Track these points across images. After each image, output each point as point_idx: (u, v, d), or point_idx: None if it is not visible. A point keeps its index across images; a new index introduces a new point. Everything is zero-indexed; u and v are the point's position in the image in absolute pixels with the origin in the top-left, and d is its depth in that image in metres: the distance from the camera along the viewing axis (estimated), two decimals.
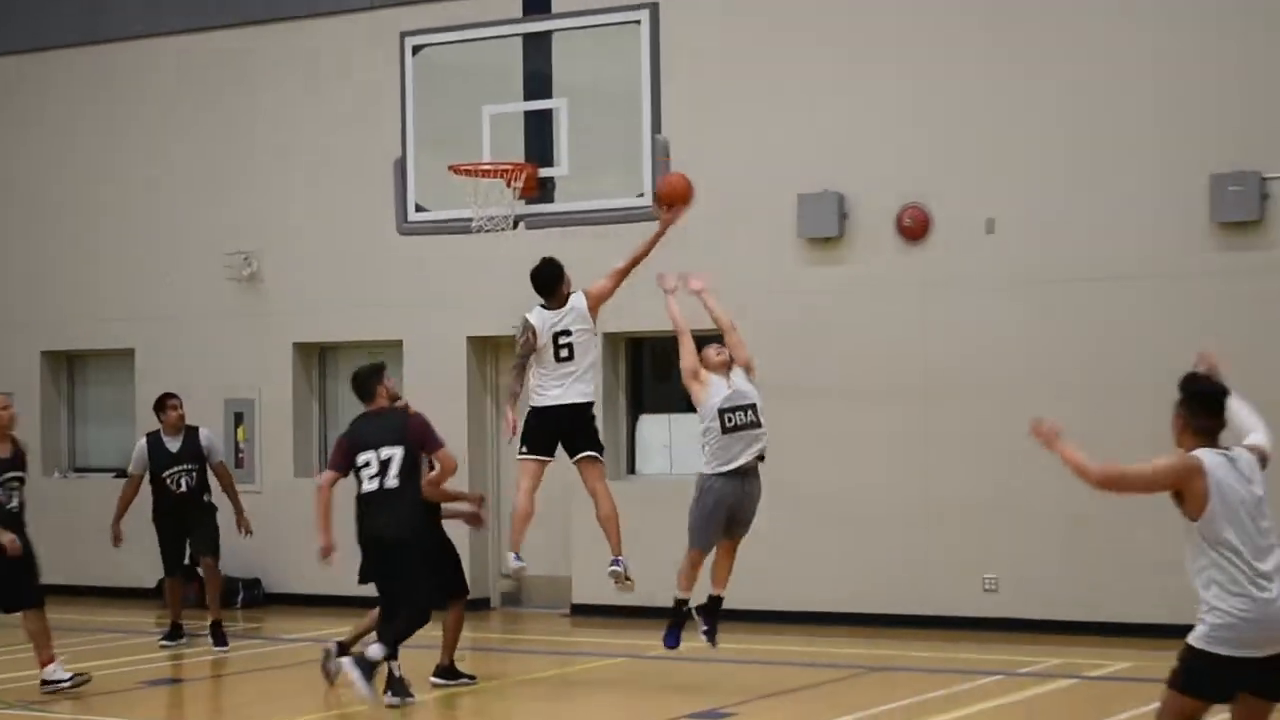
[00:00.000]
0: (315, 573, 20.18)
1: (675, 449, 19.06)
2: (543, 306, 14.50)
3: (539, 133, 17.93)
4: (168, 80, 21.68)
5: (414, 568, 13.51)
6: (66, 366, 22.81)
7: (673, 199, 14.70)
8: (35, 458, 22.21)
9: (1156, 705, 8.24)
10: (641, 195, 17.99)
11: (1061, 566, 16.98)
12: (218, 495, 17.18)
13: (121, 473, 20.56)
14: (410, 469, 13.55)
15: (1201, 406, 8.47)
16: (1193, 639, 8.03)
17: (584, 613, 18.77)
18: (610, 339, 19.11)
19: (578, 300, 14.55)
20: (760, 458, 13.78)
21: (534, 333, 14.27)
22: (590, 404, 14.31)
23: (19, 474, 14.15)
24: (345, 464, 13.72)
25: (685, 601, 13.74)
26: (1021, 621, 17.03)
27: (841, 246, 18.15)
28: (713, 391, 13.91)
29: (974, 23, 17.71)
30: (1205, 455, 8.21)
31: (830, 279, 18.13)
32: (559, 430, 14.11)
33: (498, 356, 20.07)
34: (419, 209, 16.68)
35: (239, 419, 21.03)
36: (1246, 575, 7.95)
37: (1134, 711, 12.53)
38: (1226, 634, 7.93)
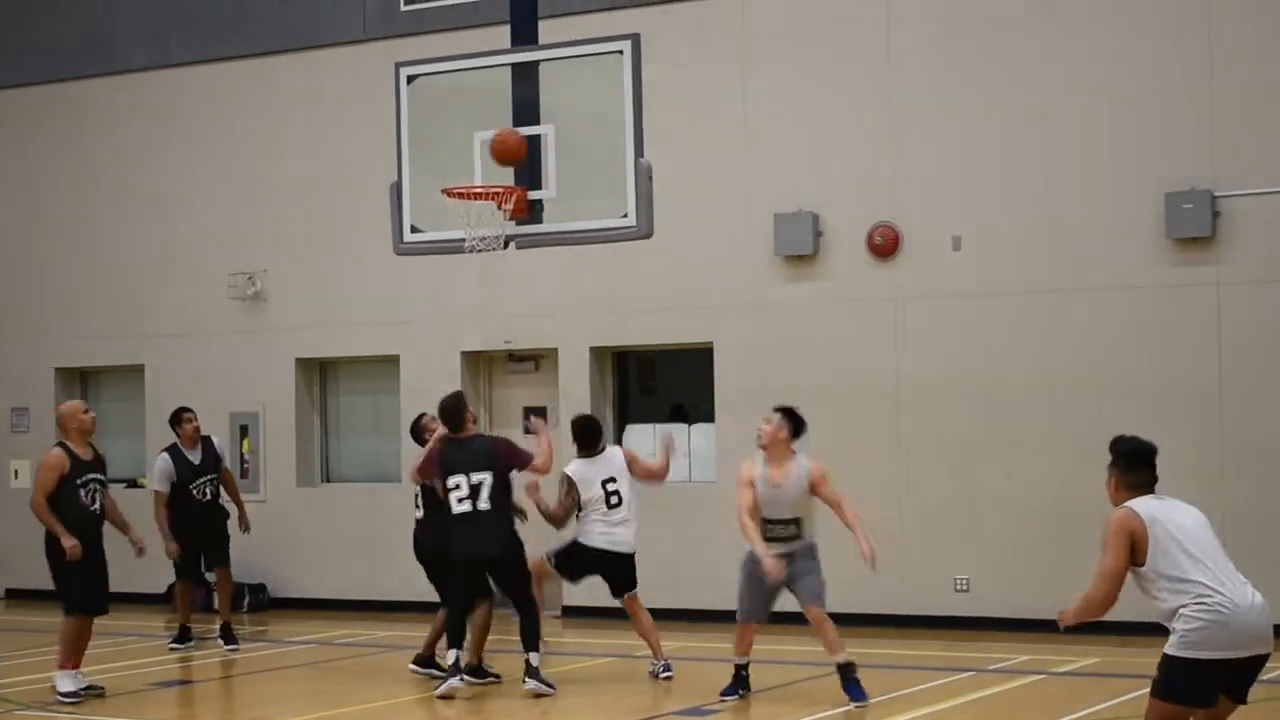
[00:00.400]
0: (318, 578, 20.36)
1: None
2: (581, 458, 14.49)
3: (528, 157, 17.99)
4: (175, 109, 21.70)
5: (514, 577, 14.00)
6: (79, 382, 22.81)
7: (505, 157, 15.25)
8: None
9: (1143, 709, 8.31)
10: (625, 216, 18.04)
11: (1029, 567, 17.02)
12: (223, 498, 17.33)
13: (133, 483, 20.61)
14: (501, 490, 13.90)
15: (1132, 463, 8.46)
16: (1170, 649, 8.09)
17: (575, 614, 18.81)
18: (597, 352, 19.18)
19: (614, 452, 14.58)
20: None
21: (577, 488, 14.40)
22: (634, 553, 14.43)
23: (100, 476, 14.02)
24: (437, 476, 14.04)
25: (742, 666, 13.57)
26: (991, 620, 17.08)
27: (816, 263, 18.20)
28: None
29: (939, 50, 17.76)
30: (1135, 503, 8.27)
31: (806, 294, 18.19)
32: (601, 571, 14.46)
33: (490, 371, 20.11)
34: (414, 230, 16.65)
35: (244, 431, 21.05)
36: (1209, 591, 8.00)
37: (1100, 706, 12.59)
38: (1199, 637, 7.97)
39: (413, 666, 14.64)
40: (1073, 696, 13.14)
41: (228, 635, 17.01)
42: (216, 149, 21.42)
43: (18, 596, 22.19)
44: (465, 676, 13.83)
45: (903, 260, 17.80)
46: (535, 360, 19.76)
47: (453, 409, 14.19)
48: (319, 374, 21.31)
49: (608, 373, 19.47)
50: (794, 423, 13.28)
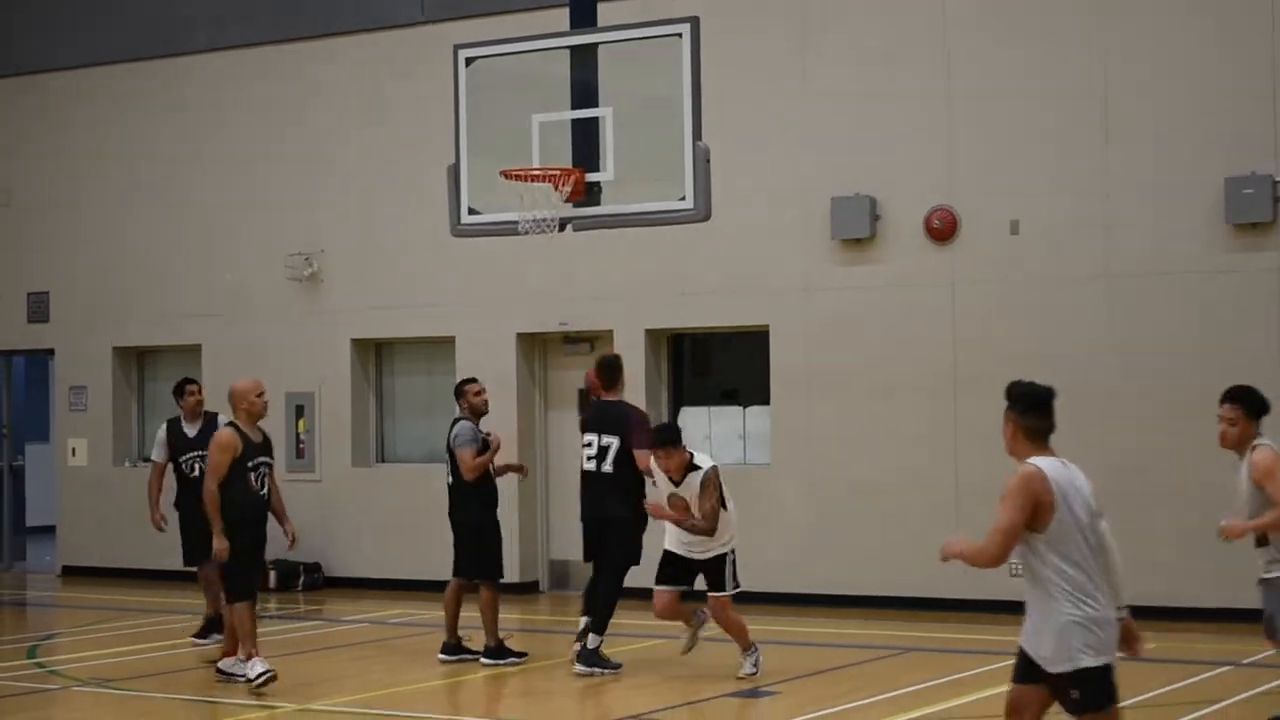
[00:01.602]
0: (373, 557, 20.32)
1: (715, 440, 18.92)
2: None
3: (586, 139, 17.90)
4: (234, 91, 21.68)
5: (613, 547, 14.08)
6: (137, 361, 22.82)
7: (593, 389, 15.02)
8: (108, 448, 22.38)
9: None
10: (683, 199, 17.95)
11: None
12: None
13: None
14: (624, 458, 14.05)
15: (1030, 407, 8.01)
16: (1080, 665, 7.64)
17: (629, 596, 18.68)
18: (652, 335, 19.06)
19: (694, 478, 13.42)
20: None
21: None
22: (720, 555, 13.53)
23: (268, 459, 13.60)
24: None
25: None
26: None
27: (873, 247, 18.05)
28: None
29: (998, 32, 17.61)
30: (1045, 464, 7.80)
31: (862, 278, 18.04)
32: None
33: (545, 353, 20.01)
34: (471, 212, 16.60)
35: (300, 412, 21.01)
36: (1089, 585, 7.69)
37: (1158, 691, 12.44)
38: (1091, 640, 7.64)
39: (484, 660, 14.51)
40: (1134, 681, 12.95)
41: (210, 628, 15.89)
42: (275, 131, 21.39)
43: (75, 574, 22.20)
44: (579, 665, 13.97)
45: (960, 244, 17.63)
46: (591, 342, 19.65)
47: (613, 367, 14.68)
48: (374, 355, 21.24)
49: (663, 355, 19.34)
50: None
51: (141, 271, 22.24)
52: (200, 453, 15.85)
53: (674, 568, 13.51)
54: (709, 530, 13.24)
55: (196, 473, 15.88)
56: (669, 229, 18.18)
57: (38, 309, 22.98)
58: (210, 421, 16.12)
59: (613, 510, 14.00)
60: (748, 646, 13.49)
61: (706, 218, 18.26)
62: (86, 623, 15.89)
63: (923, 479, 17.52)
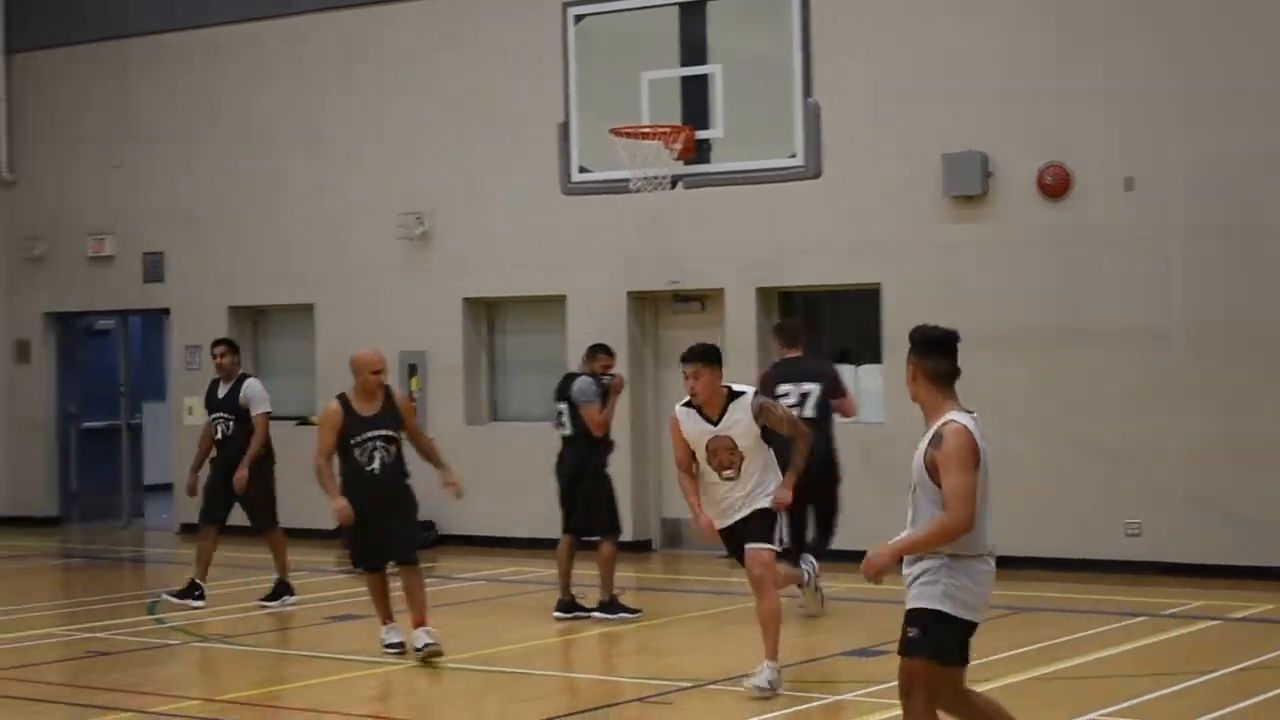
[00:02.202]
0: (486, 515, 20.35)
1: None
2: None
3: (695, 97, 17.82)
4: (347, 51, 21.71)
5: (824, 495, 14.76)
6: (251, 321, 22.96)
7: None
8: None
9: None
10: (793, 156, 17.86)
11: (1203, 511, 16.64)
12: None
13: (303, 420, 20.68)
14: (824, 402, 14.72)
15: (931, 350, 7.77)
16: (935, 603, 7.40)
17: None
18: (763, 293, 18.95)
19: (737, 409, 11.54)
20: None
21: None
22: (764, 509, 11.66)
23: (383, 433, 12.76)
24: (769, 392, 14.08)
25: None
26: (1163, 565, 16.72)
27: (985, 204, 17.84)
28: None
29: None
30: (966, 420, 7.60)
31: (974, 235, 17.84)
32: None
33: (656, 311, 19.95)
34: (582, 170, 16.65)
35: (413, 370, 21.07)
36: (983, 541, 7.48)
37: (1276, 653, 12.28)
38: (968, 598, 7.43)
39: (598, 614, 14.54)
40: (1249, 643, 12.83)
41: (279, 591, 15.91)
42: (388, 90, 21.39)
43: (194, 531, 22.36)
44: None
45: (1073, 201, 17.39)
46: (701, 300, 19.57)
47: (791, 327, 15.39)
48: (486, 313, 21.26)
49: (773, 313, 19.22)
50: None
51: (255, 231, 22.35)
52: (225, 414, 15.93)
53: (735, 540, 11.66)
54: (803, 434, 11.69)
55: (220, 435, 15.94)
56: (779, 186, 18.13)
57: (154, 269, 23.15)
58: (238, 384, 15.99)
59: (822, 447, 14.05)
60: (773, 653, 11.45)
61: (817, 175, 18.21)
62: (205, 579, 15.99)
63: (1033, 436, 17.34)
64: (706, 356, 11.37)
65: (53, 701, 11.76)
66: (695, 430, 11.38)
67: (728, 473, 11.33)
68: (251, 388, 16.12)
